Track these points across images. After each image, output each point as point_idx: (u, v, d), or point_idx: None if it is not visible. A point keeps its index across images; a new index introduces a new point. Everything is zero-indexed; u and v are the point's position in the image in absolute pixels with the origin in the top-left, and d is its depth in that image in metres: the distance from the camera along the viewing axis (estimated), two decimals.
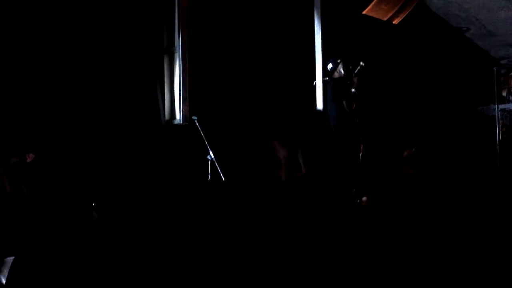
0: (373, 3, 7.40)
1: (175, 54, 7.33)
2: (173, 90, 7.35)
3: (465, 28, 10.62)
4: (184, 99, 7.20)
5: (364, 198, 6.29)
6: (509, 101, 12.32)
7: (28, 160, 6.03)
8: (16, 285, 3.24)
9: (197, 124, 6.71)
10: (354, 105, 7.07)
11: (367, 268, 3.26)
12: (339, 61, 7.27)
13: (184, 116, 7.14)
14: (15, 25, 6.11)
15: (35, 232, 5.02)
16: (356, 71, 7.09)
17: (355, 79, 7.09)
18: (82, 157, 6.41)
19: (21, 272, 4.02)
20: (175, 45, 7.32)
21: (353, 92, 7.08)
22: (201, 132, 6.64)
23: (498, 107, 11.88)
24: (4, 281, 3.78)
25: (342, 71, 7.23)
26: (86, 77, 6.57)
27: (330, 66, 7.32)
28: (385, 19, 7.69)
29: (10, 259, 4.87)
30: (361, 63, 7.06)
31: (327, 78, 7.43)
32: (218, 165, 6.54)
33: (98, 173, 6.44)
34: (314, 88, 7.86)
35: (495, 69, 12.03)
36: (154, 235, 5.16)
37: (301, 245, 4.01)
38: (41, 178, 6.07)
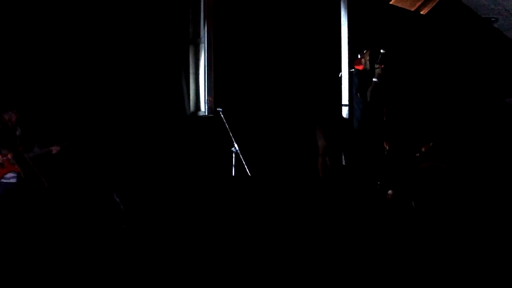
0: None
1: (201, 45, 7.32)
2: (198, 82, 7.34)
3: (493, 19, 10.43)
4: (210, 91, 7.19)
5: (390, 192, 6.22)
6: None
7: (53, 152, 6.08)
8: None
9: (222, 116, 6.70)
10: (377, 96, 6.97)
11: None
12: (364, 51, 7.18)
13: (209, 107, 7.14)
14: (45, 24, 6.15)
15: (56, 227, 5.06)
16: (378, 60, 6.98)
17: (377, 69, 6.98)
18: (108, 149, 6.44)
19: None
20: (201, 36, 7.31)
21: (375, 81, 6.97)
22: (226, 124, 6.62)
23: None
24: None
25: (368, 62, 7.14)
26: (113, 68, 6.60)
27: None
28: (413, 9, 7.59)
29: None
30: (381, 50, 6.95)
31: (353, 70, 7.35)
32: (242, 158, 6.52)
33: (124, 164, 6.46)
34: (340, 79, 7.80)
35: None
36: (176, 229, 5.16)
37: (317, 242, 3.96)
38: (67, 170, 6.12)
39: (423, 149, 7.74)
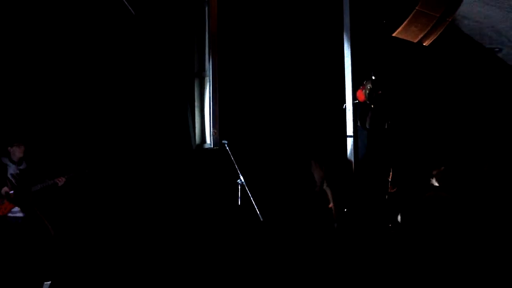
0: (403, 25, 7.34)
1: (206, 78, 7.38)
2: (204, 114, 7.39)
3: (497, 49, 10.49)
4: (215, 123, 7.23)
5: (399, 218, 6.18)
6: None
7: (59, 184, 6.09)
8: None
9: (227, 148, 6.73)
10: (377, 123, 6.99)
11: None
12: (365, 82, 7.24)
13: (215, 140, 7.17)
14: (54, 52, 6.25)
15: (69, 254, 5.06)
16: (369, 86, 7.03)
17: (372, 94, 7.01)
18: (116, 182, 6.47)
19: None
20: (206, 70, 7.38)
21: (372, 108, 7.00)
22: (231, 156, 6.65)
23: None
24: None
25: (367, 94, 7.19)
26: (121, 102, 6.67)
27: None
28: (415, 40, 7.61)
29: (47, 284, 4.91)
30: (372, 77, 7.01)
31: (357, 101, 7.39)
32: (248, 190, 6.53)
33: (132, 197, 6.48)
34: (344, 111, 7.82)
35: None
36: (185, 260, 5.16)
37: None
38: (71, 204, 6.14)
39: (434, 173, 7.71)
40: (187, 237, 6.21)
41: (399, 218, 5.92)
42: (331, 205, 4.03)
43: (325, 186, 4.11)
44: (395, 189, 6.93)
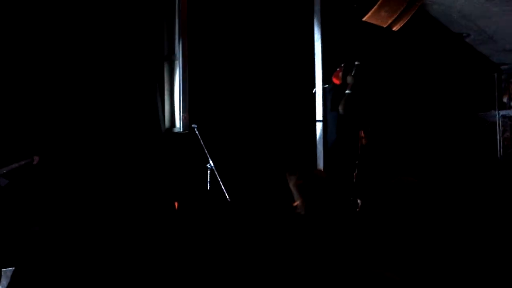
0: (373, 10, 7.38)
1: (175, 61, 7.33)
2: (173, 98, 7.35)
3: (465, 34, 10.60)
4: (184, 107, 7.20)
5: (359, 202, 6.26)
6: (510, 107, 12.29)
7: (34, 163, 6.03)
8: None
9: (196, 132, 6.71)
10: (351, 108, 7.02)
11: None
12: (342, 65, 7.26)
13: (184, 124, 7.14)
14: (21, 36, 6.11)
15: (34, 241, 4.99)
16: (353, 72, 7.07)
17: (349, 79, 7.05)
18: (81, 163, 6.40)
19: (22, 283, 4.00)
20: (175, 53, 7.32)
21: (348, 93, 7.04)
22: (201, 141, 6.64)
23: (499, 113, 11.86)
24: None
25: (341, 77, 7.22)
26: (87, 84, 6.57)
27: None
28: (385, 25, 7.67)
29: (10, 270, 4.86)
30: (356, 62, 7.05)
31: (327, 86, 7.42)
32: (217, 174, 6.53)
33: (97, 180, 6.42)
34: (314, 95, 7.85)
35: (495, 75, 12.02)
36: (149, 246, 5.13)
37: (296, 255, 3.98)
38: (42, 182, 6.07)
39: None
40: (155, 222, 6.18)
41: (359, 201, 6.00)
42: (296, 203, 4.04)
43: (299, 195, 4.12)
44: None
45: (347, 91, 7.05)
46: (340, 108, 6.99)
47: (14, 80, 6.06)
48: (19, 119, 6.09)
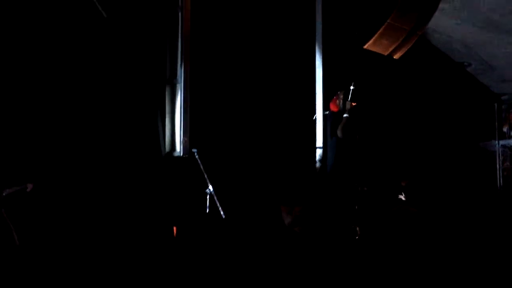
0: (374, 37, 7.42)
1: (177, 85, 7.35)
2: (174, 122, 7.35)
3: (466, 63, 10.66)
4: (185, 131, 7.20)
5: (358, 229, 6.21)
6: (510, 137, 12.28)
7: (28, 190, 5.98)
8: None
9: (196, 156, 6.70)
10: (349, 133, 7.02)
11: None
12: (339, 92, 7.28)
13: (184, 148, 7.13)
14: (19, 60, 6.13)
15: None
16: (349, 97, 7.08)
17: (347, 104, 7.06)
18: (81, 186, 6.38)
19: None
20: (177, 77, 7.34)
21: (346, 117, 7.04)
22: (201, 165, 6.62)
23: (499, 143, 11.85)
24: None
25: (342, 103, 7.23)
26: (89, 106, 6.57)
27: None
28: (386, 53, 7.71)
29: None
30: (351, 87, 7.06)
31: (327, 112, 7.43)
32: (216, 199, 6.50)
33: (97, 203, 6.39)
34: (314, 122, 7.85)
35: (495, 105, 12.03)
36: (151, 269, 5.11)
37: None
38: (38, 211, 6.02)
39: (403, 184, 7.75)
40: (155, 245, 6.15)
41: (358, 229, 5.96)
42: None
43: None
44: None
45: (345, 115, 7.06)
46: (339, 132, 6.99)
47: (15, 96, 6.07)
48: (21, 142, 6.09)
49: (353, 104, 7.10)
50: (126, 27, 6.93)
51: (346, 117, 7.04)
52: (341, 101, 7.20)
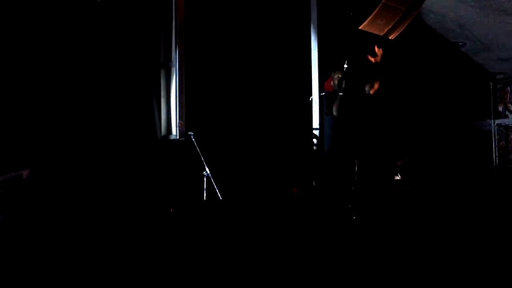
0: (369, 18, 7.39)
1: (172, 68, 7.32)
2: (170, 105, 7.33)
3: (461, 43, 10.64)
4: (181, 115, 7.19)
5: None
6: (505, 116, 12.32)
7: (24, 177, 5.95)
8: None
9: (193, 139, 6.70)
10: (344, 111, 7.04)
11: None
12: (334, 73, 7.28)
13: (181, 131, 7.12)
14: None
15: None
16: (342, 75, 7.08)
17: (342, 83, 7.06)
18: (78, 170, 6.37)
19: None
20: (172, 60, 7.31)
21: (340, 95, 7.05)
22: (197, 148, 6.62)
23: (494, 122, 11.88)
24: None
25: (337, 83, 7.22)
26: (83, 91, 6.55)
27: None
28: (381, 34, 7.67)
29: None
30: (344, 65, 7.05)
31: (323, 93, 7.43)
32: (214, 181, 6.51)
33: (94, 187, 6.39)
34: (310, 103, 7.85)
35: (491, 84, 12.05)
36: (147, 253, 5.12)
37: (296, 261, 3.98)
38: (36, 195, 6.01)
39: (398, 164, 7.80)
40: (152, 229, 6.16)
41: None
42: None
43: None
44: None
45: (339, 94, 7.07)
46: (334, 110, 7.01)
47: (12, 89, 6.04)
48: (13, 126, 6.06)
49: (359, 108, 7.13)
50: (119, 11, 6.88)
51: (341, 95, 7.05)
52: (336, 81, 7.20)
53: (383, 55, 7.13)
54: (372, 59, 7.28)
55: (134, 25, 7.05)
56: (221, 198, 6.45)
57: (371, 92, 7.14)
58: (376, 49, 7.20)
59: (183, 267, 4.64)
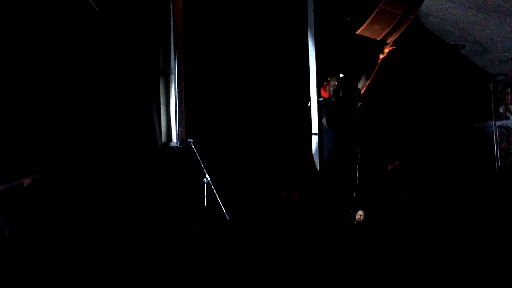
0: (366, 23, 7.39)
1: (171, 76, 7.35)
2: (169, 113, 7.36)
3: (460, 45, 10.66)
4: (180, 122, 7.21)
5: (360, 212, 6.24)
6: (506, 118, 12.31)
7: (24, 185, 5.98)
8: None
9: (193, 146, 6.73)
10: (341, 120, 7.04)
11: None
12: (329, 79, 7.29)
13: (180, 138, 7.15)
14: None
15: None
16: (339, 84, 7.08)
17: (339, 93, 7.06)
18: (78, 177, 6.40)
19: None
20: (171, 67, 7.34)
21: (337, 106, 7.04)
22: (197, 155, 6.65)
23: (495, 124, 11.88)
24: None
25: (332, 89, 7.23)
26: (83, 98, 6.58)
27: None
28: (379, 38, 7.68)
29: None
30: (340, 75, 7.06)
31: (322, 99, 7.43)
32: (214, 188, 6.54)
33: (93, 194, 6.42)
34: (309, 109, 7.85)
35: (491, 86, 12.06)
36: (148, 261, 5.14)
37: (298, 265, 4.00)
38: (38, 204, 6.05)
39: (390, 167, 7.81)
40: (152, 236, 6.19)
41: (357, 216, 5.99)
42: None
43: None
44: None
45: (336, 104, 7.09)
46: (324, 123, 7.03)
47: (14, 98, 6.08)
48: (14, 135, 6.09)
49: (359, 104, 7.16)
50: (118, 19, 6.92)
51: (337, 106, 7.06)
52: (331, 87, 7.22)
53: (388, 53, 7.18)
54: (381, 56, 7.34)
55: (133, 33, 7.09)
56: (221, 204, 6.47)
57: (362, 91, 7.14)
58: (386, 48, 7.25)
59: (184, 271, 4.67)
